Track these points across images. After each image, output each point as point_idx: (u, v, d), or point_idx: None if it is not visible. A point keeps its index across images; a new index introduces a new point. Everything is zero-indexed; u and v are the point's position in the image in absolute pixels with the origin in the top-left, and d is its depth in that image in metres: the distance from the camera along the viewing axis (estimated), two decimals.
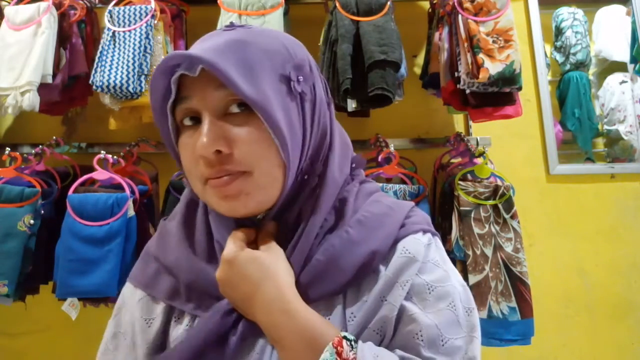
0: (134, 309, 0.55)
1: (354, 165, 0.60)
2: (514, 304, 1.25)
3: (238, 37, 0.48)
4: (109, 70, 1.33)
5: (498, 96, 1.37)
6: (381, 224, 0.52)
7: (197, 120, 0.49)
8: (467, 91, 1.35)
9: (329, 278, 0.49)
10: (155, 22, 1.43)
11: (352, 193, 0.55)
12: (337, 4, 1.39)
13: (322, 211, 0.52)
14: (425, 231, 0.54)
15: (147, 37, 1.38)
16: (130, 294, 0.57)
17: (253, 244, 0.51)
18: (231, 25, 0.52)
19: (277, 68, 0.49)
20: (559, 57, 1.98)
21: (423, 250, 0.52)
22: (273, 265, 0.48)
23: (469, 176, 1.41)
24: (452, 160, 1.58)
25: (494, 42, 1.32)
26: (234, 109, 0.48)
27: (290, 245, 0.51)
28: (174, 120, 0.51)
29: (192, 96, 0.48)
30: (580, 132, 1.92)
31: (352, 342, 0.44)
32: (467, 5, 1.37)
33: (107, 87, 1.32)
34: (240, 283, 0.47)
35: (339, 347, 0.43)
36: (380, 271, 0.50)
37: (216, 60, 0.44)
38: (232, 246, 0.49)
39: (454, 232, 1.32)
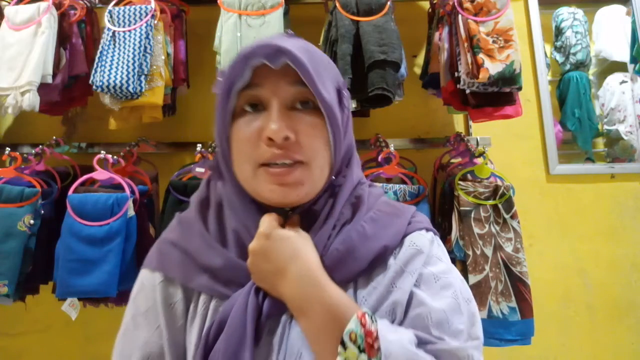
0: (154, 291, 0.57)
1: None
2: (514, 304, 1.25)
3: (304, 45, 0.55)
4: (109, 70, 1.33)
5: (498, 96, 1.37)
6: (391, 222, 0.59)
7: (256, 107, 0.54)
8: (467, 91, 1.35)
9: (346, 266, 0.54)
10: (155, 22, 1.43)
11: (365, 192, 0.61)
12: (337, 4, 1.39)
13: (339, 207, 0.57)
14: (428, 229, 0.61)
15: (147, 37, 1.38)
16: (148, 278, 0.58)
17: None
18: (290, 34, 0.58)
19: (332, 80, 0.56)
20: (559, 57, 1.98)
21: (428, 244, 0.58)
22: (304, 245, 0.53)
23: (469, 176, 1.41)
24: (452, 160, 1.58)
25: (494, 42, 1.32)
26: (298, 105, 0.53)
27: (310, 233, 0.56)
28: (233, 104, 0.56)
29: (263, 85, 0.53)
30: (580, 132, 1.92)
31: (373, 317, 0.48)
32: (467, 5, 1.37)
33: (107, 87, 1.32)
34: (273, 255, 0.52)
35: (362, 319, 0.47)
36: (390, 262, 0.56)
37: (303, 59, 0.50)
38: (268, 223, 0.53)
39: (454, 232, 1.32)
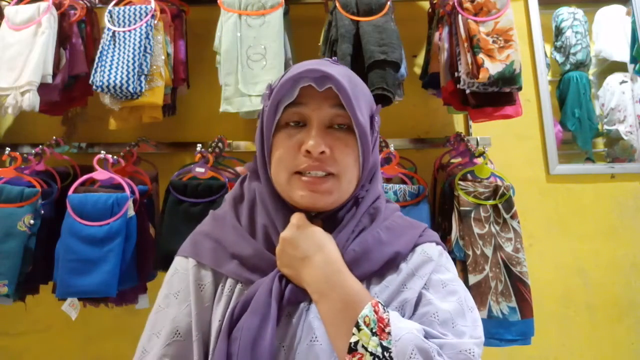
0: (187, 274, 0.63)
1: None
2: (514, 304, 1.25)
3: (347, 73, 0.63)
4: (109, 70, 1.33)
5: (498, 96, 1.36)
6: (405, 232, 0.66)
7: (298, 122, 0.61)
8: (467, 91, 1.35)
9: (361, 265, 0.60)
10: (155, 22, 1.43)
11: (383, 205, 0.69)
12: (337, 4, 1.39)
13: (359, 215, 0.65)
14: (437, 243, 0.67)
15: (147, 37, 1.38)
16: (182, 263, 0.65)
17: None
18: (334, 60, 0.65)
19: (367, 107, 0.64)
20: (559, 57, 1.98)
21: (438, 254, 0.65)
22: (328, 241, 0.60)
23: (469, 176, 1.41)
24: (452, 160, 1.58)
25: (494, 42, 1.32)
26: (335, 125, 0.61)
27: (332, 235, 0.62)
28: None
29: (307, 104, 0.60)
30: (580, 132, 1.92)
31: (385, 308, 0.54)
32: (467, 5, 1.36)
33: (107, 87, 1.32)
34: (302, 244, 0.59)
35: (376, 307, 0.53)
36: (402, 266, 0.62)
37: (347, 86, 0.58)
38: (299, 218, 0.61)
39: (454, 232, 1.32)
